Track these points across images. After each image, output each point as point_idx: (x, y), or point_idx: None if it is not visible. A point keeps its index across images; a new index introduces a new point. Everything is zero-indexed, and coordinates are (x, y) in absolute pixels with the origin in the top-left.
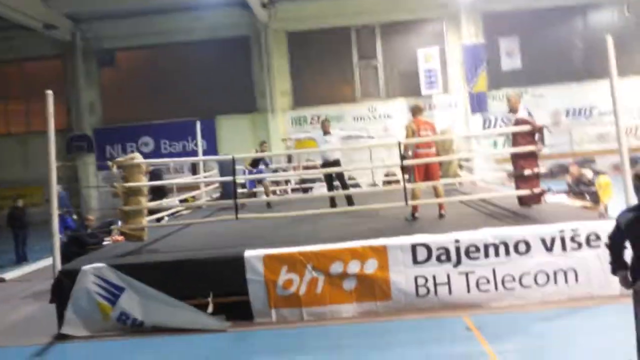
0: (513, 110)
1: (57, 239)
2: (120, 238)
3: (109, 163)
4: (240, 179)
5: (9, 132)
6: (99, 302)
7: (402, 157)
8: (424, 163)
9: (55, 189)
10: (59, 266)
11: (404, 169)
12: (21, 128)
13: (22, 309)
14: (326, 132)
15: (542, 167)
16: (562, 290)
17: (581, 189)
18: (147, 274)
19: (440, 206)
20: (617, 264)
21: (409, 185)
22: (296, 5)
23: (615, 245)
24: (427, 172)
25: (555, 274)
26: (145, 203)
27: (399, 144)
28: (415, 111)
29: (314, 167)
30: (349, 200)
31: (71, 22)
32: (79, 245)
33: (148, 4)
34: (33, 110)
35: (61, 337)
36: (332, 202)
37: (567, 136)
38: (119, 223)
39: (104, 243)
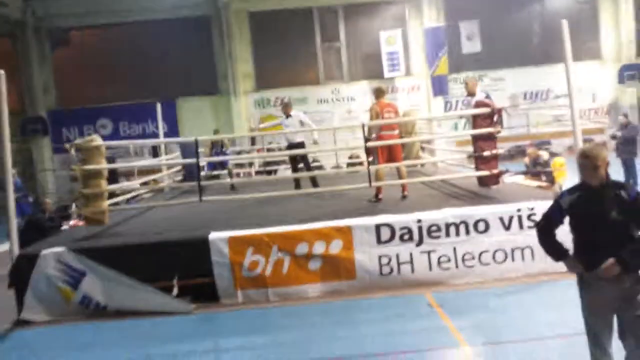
0: (471, 93)
1: (14, 222)
2: (80, 222)
3: (67, 145)
4: (204, 161)
5: None
6: (59, 287)
7: (366, 140)
8: (387, 145)
9: (10, 173)
10: (16, 250)
11: (367, 151)
12: None
13: None
14: (288, 115)
15: (501, 149)
16: (519, 267)
17: (538, 170)
18: (110, 257)
19: (403, 187)
20: (558, 250)
21: (372, 167)
22: None
23: (549, 229)
24: (390, 154)
25: (512, 251)
26: (105, 186)
27: (363, 126)
28: (378, 94)
29: (278, 150)
30: (314, 182)
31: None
32: (37, 230)
33: None
34: None
35: (21, 323)
36: (297, 184)
37: (525, 119)
38: (73, 207)
39: (63, 227)
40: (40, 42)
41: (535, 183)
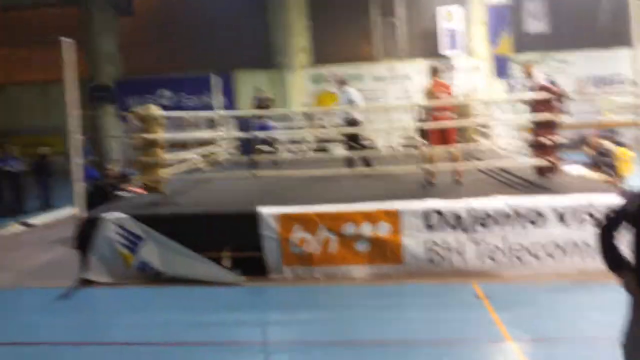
0: (529, 77)
1: (80, 186)
2: (140, 189)
3: (128, 114)
4: (255, 134)
5: (30, 80)
6: (120, 251)
7: (420, 120)
8: (440, 127)
9: (79, 137)
10: (83, 213)
11: (422, 133)
12: (41, 75)
13: (48, 253)
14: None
15: (563, 137)
16: (574, 264)
17: (601, 160)
18: (166, 225)
19: (457, 172)
20: (616, 259)
21: (425, 149)
22: None
23: (611, 231)
24: (444, 136)
25: (568, 246)
26: (163, 155)
27: (415, 106)
28: (433, 72)
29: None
30: (366, 162)
31: None
32: (102, 194)
33: None
34: (53, 58)
35: (85, 282)
36: (349, 163)
37: (591, 105)
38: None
39: (125, 194)
40: (105, 11)
41: (598, 175)
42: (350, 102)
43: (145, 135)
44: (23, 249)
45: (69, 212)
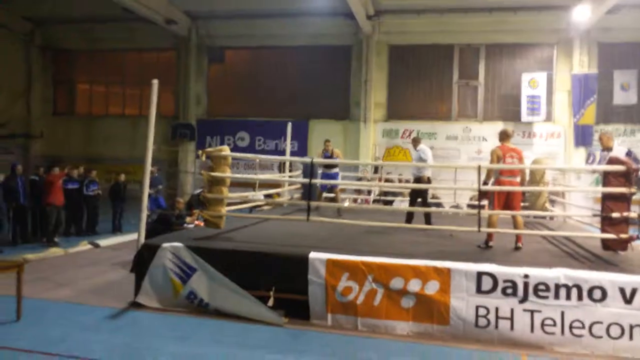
0: (606, 147)
1: (145, 214)
2: (201, 223)
3: (200, 152)
4: (315, 181)
5: (123, 114)
6: (172, 279)
7: (484, 183)
8: (505, 191)
9: (149, 169)
10: (142, 240)
11: (483, 195)
12: (134, 111)
13: (109, 274)
14: (416, 149)
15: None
16: (636, 347)
17: None
18: (218, 259)
19: (518, 238)
20: None
21: (485, 212)
22: (401, 19)
23: None
24: (508, 201)
25: (631, 328)
26: (227, 193)
27: (479, 167)
28: (503, 137)
29: (399, 181)
30: (427, 219)
31: (189, 19)
32: (166, 224)
33: (259, 7)
34: (145, 95)
35: (135, 305)
36: (409, 218)
37: None
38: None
39: (189, 225)
40: (199, 58)
41: None
42: (422, 160)
43: (212, 173)
44: (88, 267)
45: (135, 237)
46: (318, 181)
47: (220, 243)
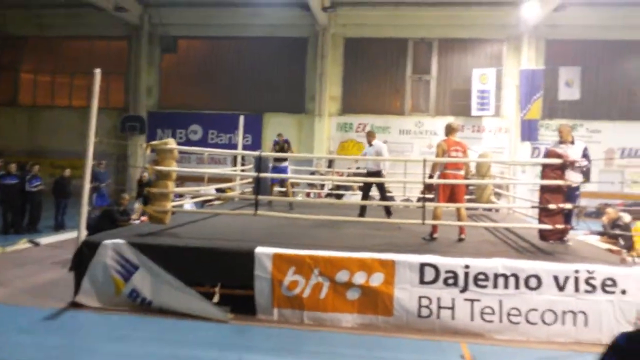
0: (564, 141)
1: (85, 210)
2: (144, 218)
3: (144, 145)
4: (263, 175)
5: (70, 105)
6: (113, 277)
7: (430, 176)
8: (449, 184)
9: (90, 163)
10: (83, 237)
11: (429, 188)
12: (82, 102)
13: (48, 273)
14: (370, 144)
15: (589, 206)
16: (569, 332)
17: (616, 232)
18: (162, 256)
19: (461, 230)
20: None
21: (430, 205)
22: (357, 12)
23: None
24: (453, 194)
25: (564, 314)
26: (172, 188)
27: (424, 161)
28: (449, 131)
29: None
30: (387, 211)
31: (140, 6)
32: (110, 220)
33: None
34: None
35: (74, 305)
36: (362, 212)
37: (620, 176)
38: (135, 205)
39: (134, 222)
40: (151, 47)
41: (605, 245)
42: (378, 154)
43: (157, 167)
44: (25, 267)
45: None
46: (266, 175)
47: (165, 239)
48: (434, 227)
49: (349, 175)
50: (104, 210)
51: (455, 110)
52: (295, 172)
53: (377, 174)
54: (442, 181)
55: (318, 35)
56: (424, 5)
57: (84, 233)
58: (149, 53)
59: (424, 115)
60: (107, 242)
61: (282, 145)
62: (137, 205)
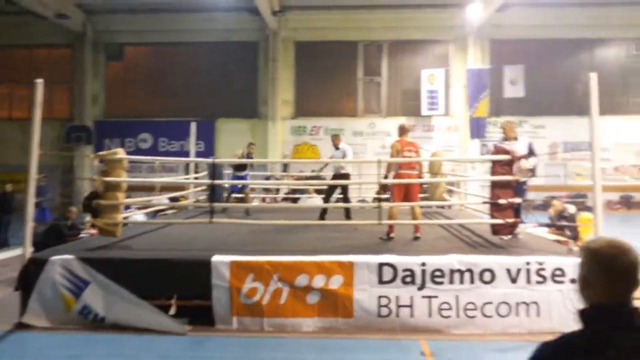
0: (508, 138)
1: (30, 226)
2: (95, 232)
3: (92, 156)
4: (221, 182)
5: (10, 117)
6: (63, 294)
7: (385, 177)
8: (404, 184)
9: (34, 178)
10: (28, 254)
11: (384, 188)
12: (23, 113)
13: None
14: (336, 147)
15: (534, 198)
16: (523, 323)
17: (562, 223)
18: (114, 270)
19: (416, 228)
20: None
21: (387, 205)
22: (306, 15)
23: None
24: (407, 193)
25: (517, 305)
26: (123, 199)
27: (379, 162)
28: (401, 132)
29: (308, 178)
30: (347, 214)
31: (83, 14)
32: (57, 236)
33: (160, 1)
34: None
35: (22, 326)
36: (323, 215)
37: (564, 169)
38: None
39: (82, 235)
40: (96, 55)
41: (554, 237)
42: (345, 156)
43: (105, 178)
44: None
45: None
46: (221, 182)
47: (116, 252)
48: (391, 227)
49: (307, 178)
50: (51, 225)
51: (406, 110)
52: (251, 178)
53: (345, 176)
54: (397, 181)
55: (268, 40)
56: (373, 9)
57: (29, 250)
58: (93, 61)
59: (376, 117)
60: (55, 258)
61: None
62: (87, 219)
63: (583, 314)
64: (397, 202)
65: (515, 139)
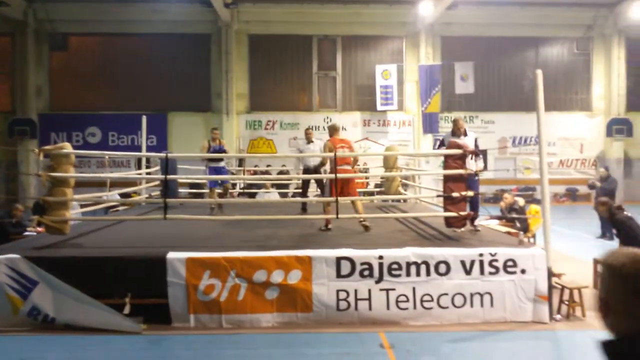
0: (458, 133)
1: None
2: (41, 229)
3: (36, 150)
4: (171, 177)
5: None
6: (9, 295)
7: (316, 172)
8: (340, 179)
9: None
10: None
11: (320, 185)
12: None
13: None
14: (309, 141)
15: (485, 191)
16: (477, 313)
17: (512, 215)
18: (64, 269)
19: (361, 219)
20: None
21: (345, 199)
22: (259, 8)
23: None
24: (344, 187)
25: (472, 296)
26: (71, 195)
27: (335, 156)
28: (332, 131)
29: (264, 173)
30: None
31: (24, 1)
32: (1, 234)
33: None
34: None
35: None
36: (304, 208)
37: (513, 163)
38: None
39: (28, 233)
40: (38, 45)
41: (505, 229)
42: (321, 150)
43: (52, 174)
44: None
45: None
46: (174, 177)
47: (66, 250)
48: (328, 219)
49: (261, 173)
50: None
51: (361, 105)
52: (205, 173)
53: (317, 169)
54: (332, 176)
55: (221, 32)
56: (326, 3)
57: None
58: (36, 51)
59: (331, 111)
60: (0, 257)
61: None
62: (33, 217)
63: (608, 349)
64: (333, 196)
65: (465, 134)
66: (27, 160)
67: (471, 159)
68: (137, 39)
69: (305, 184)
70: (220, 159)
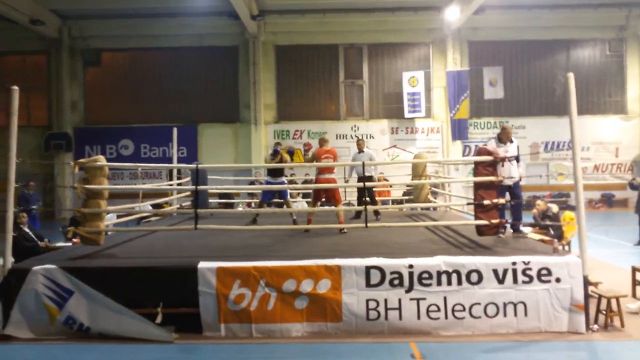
0: (505, 140)
1: (10, 236)
2: (77, 240)
3: (71, 163)
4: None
5: None
6: (46, 304)
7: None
8: (322, 188)
9: (13, 186)
10: (9, 264)
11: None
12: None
13: None
14: (360, 150)
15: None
16: (510, 323)
17: (546, 223)
18: (98, 279)
19: (340, 222)
20: None
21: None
22: (286, 19)
23: None
24: (328, 195)
25: (505, 306)
26: (105, 206)
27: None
28: (321, 143)
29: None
30: (376, 214)
31: (59, 19)
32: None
33: (138, 6)
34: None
35: (4, 338)
36: (358, 215)
37: (545, 169)
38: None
39: (61, 244)
40: (73, 61)
41: (538, 236)
42: (371, 159)
43: (86, 186)
44: None
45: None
46: (204, 187)
47: (100, 261)
48: (309, 221)
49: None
50: (35, 234)
51: (388, 113)
52: (234, 183)
53: (369, 178)
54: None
55: (248, 44)
56: (352, 12)
57: (10, 260)
58: (70, 67)
59: (359, 120)
60: (37, 268)
61: (282, 156)
62: (68, 228)
63: None
64: (316, 205)
65: (511, 141)
66: (62, 173)
67: (512, 164)
68: (166, 53)
69: (359, 193)
70: (280, 174)
